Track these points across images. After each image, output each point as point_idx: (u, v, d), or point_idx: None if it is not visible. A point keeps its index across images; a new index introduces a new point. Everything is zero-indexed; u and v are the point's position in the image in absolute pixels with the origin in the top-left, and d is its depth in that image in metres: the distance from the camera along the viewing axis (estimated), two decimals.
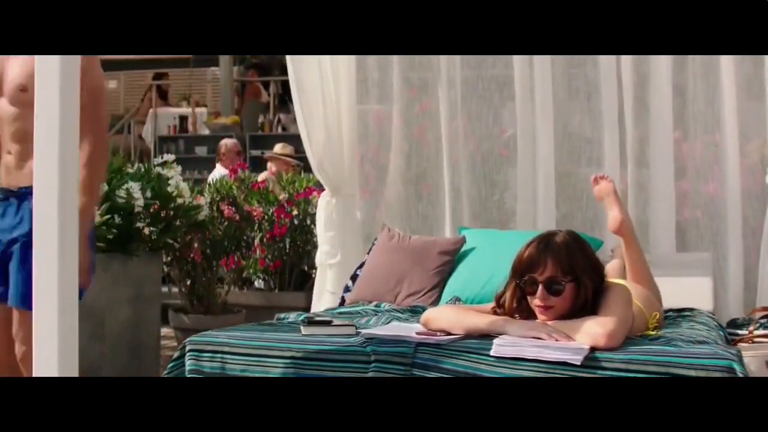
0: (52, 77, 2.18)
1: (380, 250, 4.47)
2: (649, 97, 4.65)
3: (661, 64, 4.58)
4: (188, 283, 5.94)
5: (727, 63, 4.45)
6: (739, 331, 3.58)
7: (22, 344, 3.04)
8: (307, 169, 5.81)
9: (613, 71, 4.67)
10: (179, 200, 4.93)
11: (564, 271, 2.91)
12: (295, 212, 6.25)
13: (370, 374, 2.86)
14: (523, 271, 2.96)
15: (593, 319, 2.82)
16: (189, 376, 3.09)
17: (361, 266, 4.57)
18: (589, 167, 4.77)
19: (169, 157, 5.05)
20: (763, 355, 3.02)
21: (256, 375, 3.00)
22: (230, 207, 5.94)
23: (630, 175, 4.67)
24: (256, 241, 6.31)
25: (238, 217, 5.96)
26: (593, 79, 4.74)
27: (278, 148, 8.09)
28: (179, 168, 5.06)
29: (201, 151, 11.08)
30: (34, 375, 2.19)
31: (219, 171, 7.91)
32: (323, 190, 5.21)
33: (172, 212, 4.90)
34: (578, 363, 2.64)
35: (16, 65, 3.02)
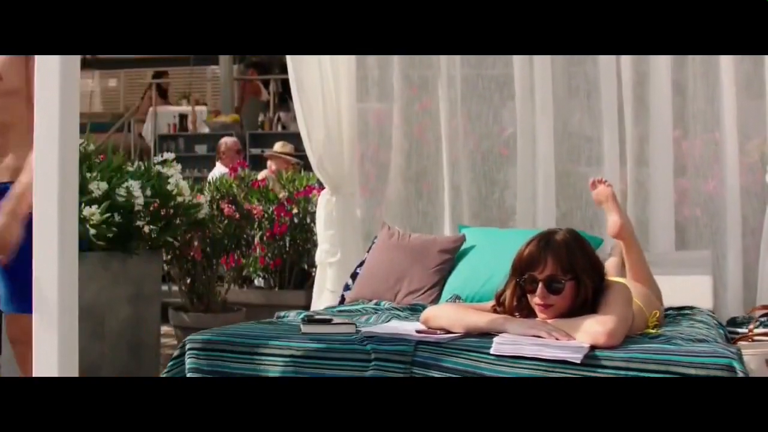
0: (52, 77, 2.18)
1: (380, 249, 4.47)
2: (649, 95, 4.65)
3: (661, 62, 4.58)
4: (188, 281, 5.94)
5: (726, 61, 4.45)
6: (739, 330, 3.58)
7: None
8: (307, 167, 5.81)
9: (612, 70, 4.67)
10: (179, 198, 4.93)
11: (564, 269, 2.92)
12: (295, 210, 6.25)
13: (370, 372, 2.86)
14: (523, 270, 2.97)
15: (593, 317, 2.83)
16: (189, 374, 3.10)
17: (361, 264, 4.57)
18: (588, 166, 4.77)
19: (169, 155, 5.05)
20: (763, 353, 3.02)
21: (256, 373, 3.00)
22: (230, 205, 5.94)
23: (630, 173, 4.67)
24: (256, 240, 6.31)
25: (238, 216, 5.96)
26: (593, 77, 4.74)
27: (278, 146, 8.09)
28: (179, 166, 5.06)
29: (201, 149, 11.08)
30: (34, 375, 2.20)
31: (219, 169, 7.91)
32: (323, 188, 5.21)
33: (172, 210, 4.90)
34: (578, 361, 2.64)
35: None
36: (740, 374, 2.53)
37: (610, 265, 3.70)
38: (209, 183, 6.19)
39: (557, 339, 2.75)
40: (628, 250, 3.70)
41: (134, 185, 4.50)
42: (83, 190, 4.28)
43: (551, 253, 2.93)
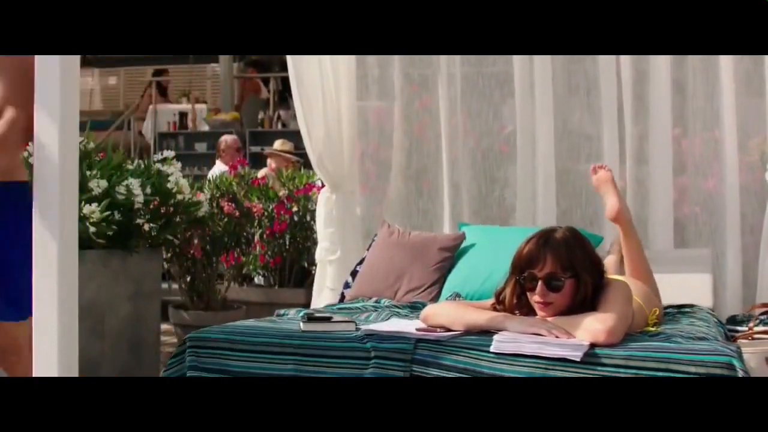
0: (52, 77, 2.18)
1: (380, 246, 4.47)
2: (649, 93, 4.65)
3: (661, 60, 4.58)
4: (188, 279, 5.94)
5: (726, 59, 4.45)
6: (739, 328, 3.58)
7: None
8: (307, 165, 5.81)
9: (612, 68, 4.67)
10: (179, 196, 4.92)
11: (563, 267, 2.92)
12: (294, 209, 6.25)
13: (370, 370, 2.86)
14: (522, 268, 2.97)
15: (593, 315, 2.83)
16: (189, 372, 3.10)
17: (360, 262, 4.57)
18: (588, 164, 4.76)
19: (169, 153, 5.04)
20: (763, 351, 3.02)
21: (256, 371, 3.01)
22: (230, 203, 5.94)
23: (629, 171, 4.67)
24: (256, 238, 6.31)
25: (237, 214, 5.96)
26: (593, 75, 4.75)
27: (278, 144, 8.09)
28: (179, 164, 5.05)
29: (201, 147, 11.07)
30: (34, 375, 2.19)
31: (219, 167, 7.92)
32: (323, 186, 5.21)
33: (171, 208, 4.89)
34: (578, 359, 2.65)
35: None
36: (740, 372, 2.53)
37: (609, 263, 3.70)
38: (209, 181, 6.19)
39: (557, 337, 2.76)
40: (626, 237, 3.68)
41: (134, 183, 4.50)
42: (83, 188, 4.28)
43: (551, 251, 2.93)
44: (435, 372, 2.83)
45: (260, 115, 11.39)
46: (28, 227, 2.16)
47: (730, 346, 2.79)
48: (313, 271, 5.63)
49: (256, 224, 6.23)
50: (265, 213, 6.21)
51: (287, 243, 6.33)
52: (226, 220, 5.92)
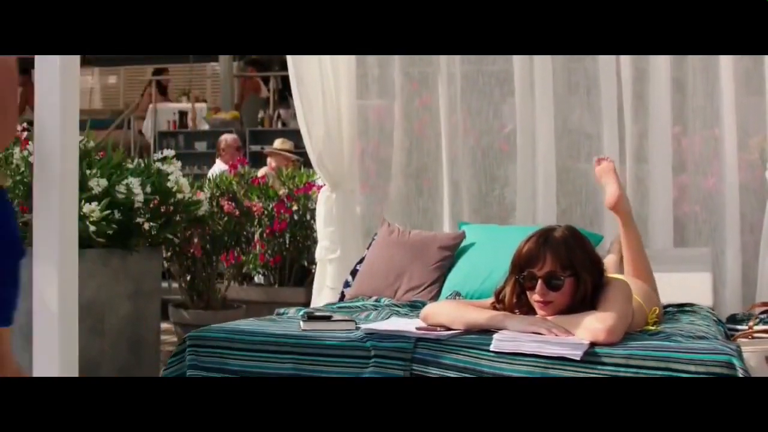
0: (52, 77, 2.18)
1: (380, 245, 4.47)
2: (649, 92, 4.65)
3: (660, 59, 4.58)
4: (188, 278, 5.94)
5: (726, 58, 4.45)
6: (739, 327, 3.58)
7: None
8: (307, 164, 5.81)
9: (612, 66, 4.67)
10: (179, 195, 4.93)
11: (563, 266, 2.92)
12: (294, 207, 6.25)
13: (370, 369, 2.86)
14: (522, 267, 2.97)
15: (593, 314, 2.83)
16: (189, 371, 3.10)
17: (360, 261, 4.57)
18: (588, 162, 4.77)
19: (169, 152, 5.05)
20: (763, 350, 3.02)
21: (256, 370, 3.01)
22: (230, 202, 5.94)
23: (629, 170, 4.66)
24: (256, 237, 6.31)
25: (237, 213, 5.96)
26: (593, 74, 4.74)
27: (278, 143, 8.09)
28: (179, 163, 5.05)
29: (201, 146, 11.06)
30: (34, 375, 2.20)
31: (219, 166, 7.91)
32: (323, 185, 5.21)
33: (171, 207, 4.89)
34: (578, 358, 2.65)
35: None
36: (740, 371, 2.53)
37: (609, 262, 3.70)
38: (209, 180, 6.19)
39: (557, 336, 2.76)
40: (625, 228, 3.67)
41: (134, 182, 4.50)
42: (83, 187, 4.28)
43: (550, 249, 2.93)
44: (435, 371, 2.83)
45: (260, 114, 11.39)
46: (6, 233, 2.14)
47: (730, 344, 2.79)
48: (313, 270, 5.62)
49: (256, 223, 6.23)
50: (265, 212, 6.21)
51: (287, 242, 6.33)
52: (226, 219, 5.92)
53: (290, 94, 5.53)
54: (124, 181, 4.49)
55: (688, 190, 4.67)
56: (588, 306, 2.90)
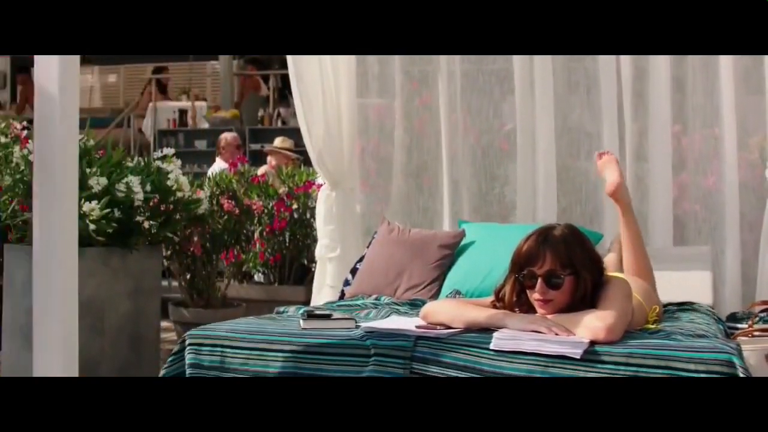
0: (52, 78, 2.18)
1: (380, 244, 4.47)
2: (649, 90, 4.65)
3: (660, 57, 4.57)
4: (188, 276, 5.94)
5: (726, 57, 4.44)
6: (739, 325, 3.58)
7: None
8: (307, 162, 5.81)
9: (612, 65, 4.67)
10: (179, 194, 4.93)
11: (563, 264, 2.92)
12: (294, 206, 6.25)
13: (370, 368, 2.87)
14: (522, 265, 2.97)
15: (593, 312, 2.83)
16: (189, 369, 3.10)
17: (360, 260, 4.57)
18: (588, 161, 4.77)
19: (169, 150, 5.05)
20: (763, 348, 3.02)
21: (256, 368, 3.01)
22: (230, 201, 5.94)
23: (629, 168, 4.66)
24: (256, 235, 6.31)
25: (237, 211, 5.96)
26: (593, 73, 4.74)
27: (278, 141, 8.09)
28: (179, 162, 5.05)
29: (201, 144, 11.06)
30: (34, 373, 2.20)
31: (219, 165, 7.91)
32: (323, 183, 5.20)
33: (171, 206, 4.89)
34: (578, 356, 2.65)
35: None
36: (740, 370, 2.53)
37: (609, 260, 3.70)
38: (209, 178, 6.19)
39: (557, 334, 2.76)
40: (625, 218, 3.65)
41: (134, 181, 4.50)
42: (83, 185, 4.28)
43: (550, 248, 2.93)
44: (435, 369, 2.84)
45: (260, 113, 11.38)
46: None
47: (730, 343, 2.79)
48: (312, 269, 5.63)
49: (255, 221, 6.23)
50: (265, 210, 6.21)
51: (287, 240, 6.33)
52: (225, 217, 5.92)
53: (290, 93, 5.53)
54: (124, 180, 4.49)
55: (688, 188, 4.67)
56: (588, 304, 2.90)
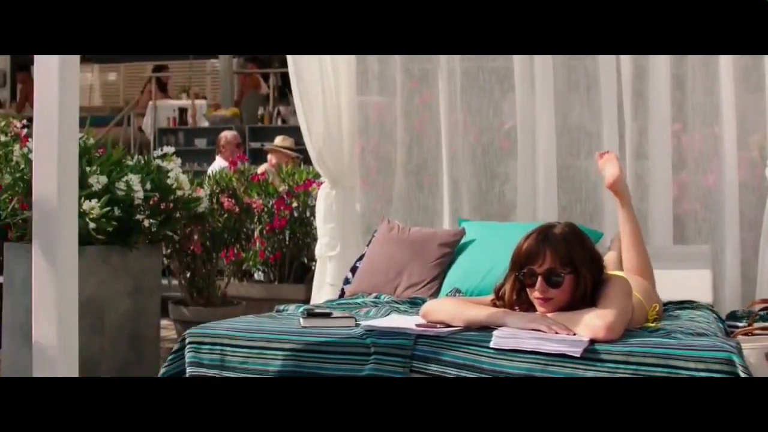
0: (52, 77, 2.18)
1: (380, 242, 4.47)
2: (648, 89, 4.65)
3: (660, 56, 4.57)
4: (188, 275, 5.94)
5: (725, 56, 4.45)
6: (739, 324, 3.58)
7: None
8: (307, 161, 5.81)
9: (612, 64, 4.67)
10: (179, 192, 4.93)
11: (563, 262, 2.92)
12: (294, 204, 6.25)
13: (370, 366, 2.87)
14: (522, 263, 2.97)
15: (593, 311, 2.83)
16: (189, 368, 3.11)
17: (360, 258, 4.57)
18: (588, 159, 4.77)
19: (169, 149, 5.05)
20: (763, 347, 3.02)
21: (256, 367, 3.01)
22: (230, 199, 5.94)
23: (629, 167, 4.66)
24: (256, 233, 6.31)
25: (237, 210, 5.96)
26: (593, 71, 4.74)
27: (279, 140, 8.09)
28: (179, 160, 5.05)
29: (201, 143, 11.06)
30: (34, 372, 2.20)
31: (219, 163, 7.91)
32: (323, 181, 5.20)
33: (171, 204, 4.89)
34: (577, 355, 2.65)
35: None
36: (740, 368, 2.53)
37: (609, 259, 3.70)
38: (209, 177, 6.19)
39: (557, 333, 2.76)
40: (624, 209, 3.67)
41: (134, 179, 4.50)
42: (83, 184, 4.28)
43: (550, 246, 2.93)
44: (435, 368, 2.84)
45: (260, 111, 11.38)
46: None
47: (730, 342, 2.79)
48: (312, 267, 5.63)
49: (255, 220, 6.23)
50: (265, 209, 6.21)
51: (287, 239, 6.34)
52: (225, 215, 5.92)
53: (290, 91, 5.52)
54: (124, 178, 4.49)
55: (687, 187, 4.67)
56: (588, 303, 2.90)
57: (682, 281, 4.03)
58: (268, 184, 6.37)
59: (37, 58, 2.19)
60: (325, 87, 4.89)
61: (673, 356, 2.60)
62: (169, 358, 3.20)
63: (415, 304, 3.82)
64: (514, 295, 3.02)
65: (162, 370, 3.22)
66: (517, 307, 3.02)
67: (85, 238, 4.17)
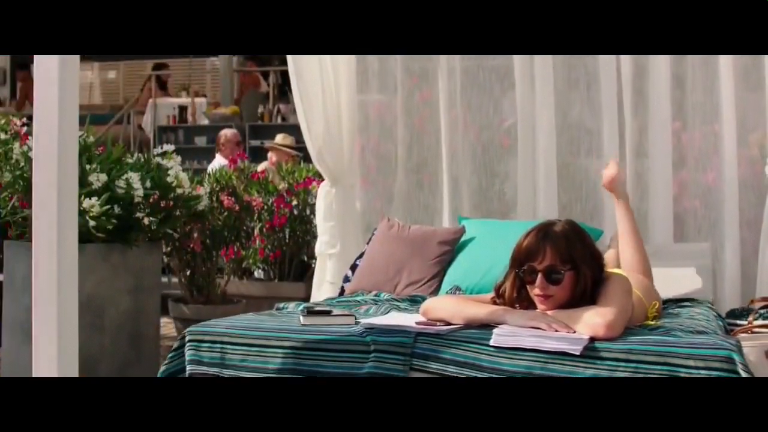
0: (52, 77, 2.18)
1: (380, 240, 4.47)
2: (648, 87, 4.65)
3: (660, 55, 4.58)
4: (188, 273, 5.94)
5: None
6: (739, 321, 3.58)
7: None
8: (307, 159, 5.81)
9: (612, 62, 4.67)
10: (179, 190, 4.93)
11: (563, 259, 2.92)
12: (294, 202, 6.25)
13: (370, 364, 2.87)
14: (522, 260, 2.97)
15: (593, 309, 2.83)
16: (188, 366, 3.11)
17: (360, 256, 4.57)
18: (588, 157, 4.77)
19: (169, 147, 5.05)
20: (762, 345, 3.02)
21: (256, 365, 3.02)
22: (230, 197, 5.94)
23: (629, 165, 4.66)
24: (256, 231, 6.31)
25: (237, 208, 5.96)
26: (593, 69, 4.74)
27: (279, 138, 8.09)
28: (179, 158, 5.05)
29: (200, 141, 11.05)
30: (33, 370, 2.19)
31: (218, 161, 7.91)
32: (323, 180, 5.20)
33: (171, 202, 4.89)
34: (577, 353, 2.65)
35: None
36: (740, 366, 2.54)
37: (609, 257, 3.70)
38: (209, 175, 6.19)
39: (557, 330, 2.76)
40: (623, 206, 3.71)
41: (134, 177, 4.50)
42: (83, 182, 4.28)
43: (550, 243, 2.93)
44: (434, 366, 2.84)
45: (260, 109, 11.38)
46: None
47: (730, 339, 2.80)
48: (312, 265, 5.63)
49: (255, 218, 6.23)
50: (265, 207, 6.21)
51: (287, 237, 6.34)
52: (225, 213, 5.92)
53: (290, 89, 5.52)
54: (124, 176, 4.49)
55: (687, 185, 4.67)
56: (588, 300, 2.91)
57: (681, 279, 4.03)
58: (268, 182, 6.37)
59: (37, 59, 2.19)
60: (324, 85, 4.88)
61: (673, 354, 2.61)
62: (169, 356, 3.20)
63: (415, 302, 3.82)
64: (515, 293, 3.03)
65: (162, 368, 3.22)
66: (517, 305, 3.02)
67: (85, 236, 4.17)
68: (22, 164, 4.49)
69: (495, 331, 2.82)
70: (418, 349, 2.88)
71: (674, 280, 3.92)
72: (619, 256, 3.73)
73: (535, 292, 2.95)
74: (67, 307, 2.22)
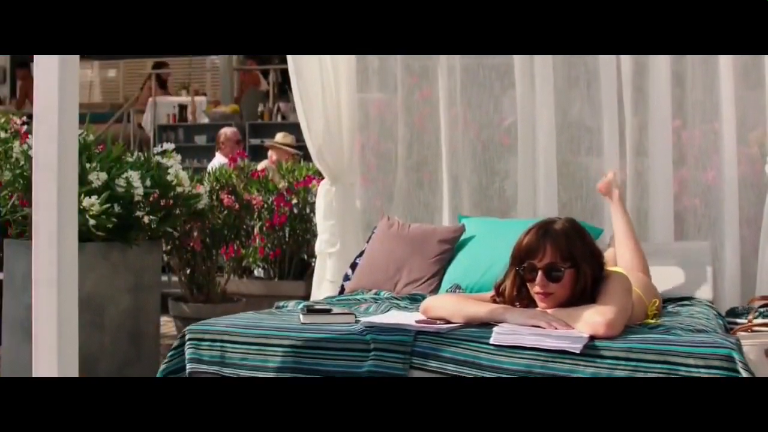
0: (52, 77, 2.18)
1: (380, 239, 4.47)
2: (649, 85, 4.65)
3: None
4: (188, 271, 5.94)
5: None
6: (738, 320, 3.58)
7: None
8: (307, 157, 5.81)
9: (612, 60, 4.67)
10: (179, 189, 4.93)
11: (563, 257, 2.92)
12: (294, 201, 6.25)
13: (369, 363, 2.87)
14: (522, 258, 2.97)
15: (593, 307, 2.83)
16: (188, 364, 3.11)
17: (360, 255, 4.57)
18: (588, 156, 4.77)
19: (169, 145, 5.04)
20: (762, 344, 3.02)
21: (256, 363, 3.02)
22: (230, 196, 5.94)
23: (629, 163, 4.66)
24: (256, 230, 6.31)
25: (237, 206, 5.96)
26: (593, 67, 4.74)
27: (279, 137, 8.08)
28: (179, 157, 5.05)
29: (200, 139, 11.06)
30: (33, 368, 2.19)
31: (218, 160, 7.91)
32: (323, 178, 5.20)
33: (171, 201, 4.89)
34: (577, 351, 2.65)
35: None
36: (740, 365, 2.54)
37: (609, 255, 3.70)
38: (209, 173, 6.18)
39: (557, 329, 2.76)
40: (614, 207, 3.79)
41: (134, 176, 4.50)
42: (83, 180, 4.28)
43: (550, 241, 2.93)
44: (434, 364, 2.84)
45: (260, 108, 11.38)
46: None
47: (730, 338, 2.80)
48: (312, 264, 5.63)
49: (255, 216, 6.23)
50: (265, 205, 6.21)
51: (287, 235, 6.33)
52: (225, 212, 5.92)
53: (290, 88, 5.52)
54: (124, 175, 4.49)
55: (687, 184, 4.67)
56: (588, 299, 2.91)
57: (681, 278, 4.03)
58: (268, 180, 6.37)
59: (37, 59, 2.18)
60: (324, 84, 4.88)
61: (673, 353, 2.61)
62: (169, 354, 3.20)
63: (415, 300, 3.82)
64: (515, 291, 3.03)
65: (162, 367, 3.22)
66: (517, 303, 3.02)
67: (85, 235, 4.17)
68: (22, 163, 4.49)
69: (495, 329, 2.82)
70: (418, 348, 2.88)
71: (674, 279, 3.92)
72: (616, 255, 3.74)
73: (535, 290, 2.95)
74: (67, 306, 2.22)
